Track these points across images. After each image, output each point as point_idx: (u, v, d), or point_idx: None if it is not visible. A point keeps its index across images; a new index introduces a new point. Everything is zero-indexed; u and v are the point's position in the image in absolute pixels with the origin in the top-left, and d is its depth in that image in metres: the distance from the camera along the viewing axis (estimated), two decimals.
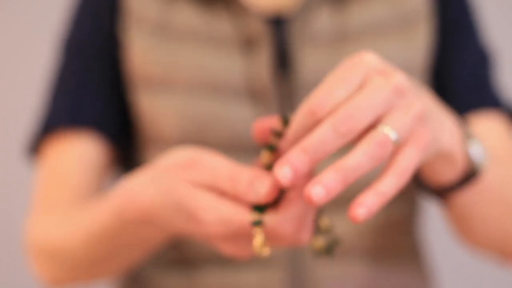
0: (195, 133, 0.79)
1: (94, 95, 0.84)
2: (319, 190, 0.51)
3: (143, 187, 0.64)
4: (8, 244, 1.44)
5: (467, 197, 0.70)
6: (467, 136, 0.66)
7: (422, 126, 0.55)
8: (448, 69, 0.85)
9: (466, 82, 0.84)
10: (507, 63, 1.45)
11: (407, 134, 0.54)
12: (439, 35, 0.85)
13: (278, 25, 0.81)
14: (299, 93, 0.79)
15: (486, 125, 0.83)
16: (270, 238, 0.59)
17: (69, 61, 0.85)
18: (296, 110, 0.55)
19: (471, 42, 0.85)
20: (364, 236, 0.81)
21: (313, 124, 0.54)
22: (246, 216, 0.57)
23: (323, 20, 0.81)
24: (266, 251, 0.56)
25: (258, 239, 0.56)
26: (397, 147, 0.54)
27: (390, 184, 0.53)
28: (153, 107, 0.81)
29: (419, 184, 0.73)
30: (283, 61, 0.80)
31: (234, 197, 0.59)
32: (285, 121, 0.57)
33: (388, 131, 0.53)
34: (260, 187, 0.57)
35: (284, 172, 0.52)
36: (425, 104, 0.58)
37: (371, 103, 0.53)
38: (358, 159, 0.52)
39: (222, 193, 0.59)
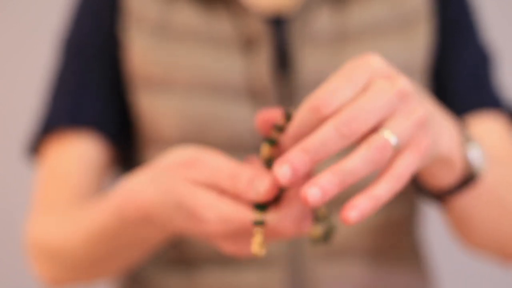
0: (195, 133, 0.79)
1: (94, 95, 0.84)
2: (315, 191, 0.51)
3: (143, 186, 0.64)
4: (8, 244, 1.44)
5: (466, 200, 0.70)
6: (466, 139, 0.66)
7: (422, 132, 0.55)
8: (448, 69, 0.85)
9: (466, 82, 0.84)
10: (507, 63, 1.45)
11: (407, 139, 0.54)
12: (439, 35, 0.85)
13: (278, 25, 0.81)
14: (299, 93, 0.79)
15: (486, 125, 0.83)
16: (271, 234, 0.59)
17: (69, 61, 0.85)
18: (299, 106, 0.55)
19: (471, 42, 0.85)
20: (364, 236, 0.81)
21: (316, 121, 0.53)
22: (247, 215, 0.58)
23: (323, 20, 0.81)
24: (263, 252, 0.56)
25: (257, 238, 0.56)
26: (397, 151, 0.54)
27: (385, 188, 0.53)
28: (153, 107, 0.81)
29: (418, 187, 0.73)
30: (283, 61, 0.80)
31: (234, 196, 0.59)
32: (288, 116, 0.57)
33: (389, 136, 0.53)
34: (260, 185, 0.57)
35: (283, 171, 0.52)
36: (427, 109, 0.58)
37: (374, 106, 0.53)
38: (357, 162, 0.52)
39: (223, 192, 0.60)
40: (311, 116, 0.53)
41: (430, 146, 0.57)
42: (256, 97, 0.79)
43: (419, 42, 0.82)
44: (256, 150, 0.79)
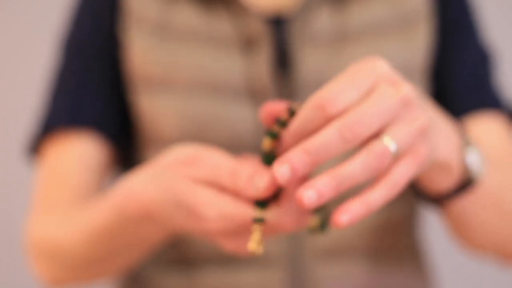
0: (195, 133, 0.79)
1: (94, 95, 0.84)
2: (311, 194, 0.52)
3: (143, 185, 0.64)
4: (8, 244, 1.44)
5: (464, 204, 0.70)
6: (466, 143, 0.66)
7: (422, 141, 0.56)
8: (448, 69, 0.85)
9: (466, 82, 0.84)
10: (507, 63, 1.45)
11: (407, 147, 0.54)
12: (439, 35, 0.85)
13: (278, 25, 0.81)
14: (299, 93, 0.79)
15: (485, 126, 0.83)
16: (271, 230, 0.59)
17: (69, 61, 0.85)
18: (303, 103, 0.55)
19: (471, 42, 0.85)
20: (364, 236, 0.81)
21: (320, 119, 0.53)
22: (246, 212, 0.58)
23: (323, 20, 0.81)
24: (260, 249, 0.56)
25: (256, 236, 0.56)
26: (395, 158, 0.54)
27: (380, 195, 0.54)
28: (153, 107, 0.81)
29: (416, 191, 0.73)
30: (283, 61, 0.80)
31: (234, 193, 0.59)
32: (291, 112, 0.57)
33: (389, 143, 0.53)
34: (259, 182, 0.57)
35: (283, 170, 0.52)
36: (428, 116, 0.58)
37: (378, 112, 0.53)
38: (355, 168, 0.53)
39: (223, 189, 0.60)
40: (316, 114, 0.53)
41: (429, 154, 0.57)
42: (256, 97, 0.79)
43: (419, 42, 0.82)
44: (256, 150, 0.79)
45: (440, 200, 0.69)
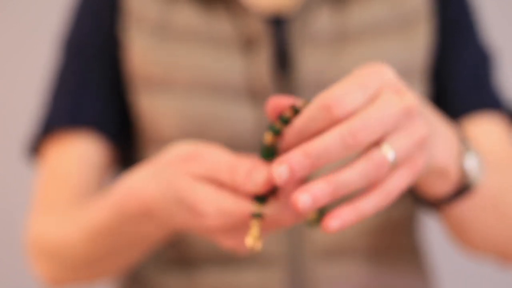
0: (195, 133, 0.79)
1: (94, 95, 0.84)
2: (307, 198, 0.52)
3: (144, 182, 0.64)
4: (8, 244, 1.44)
5: (462, 208, 0.70)
6: (465, 148, 0.66)
7: (420, 151, 0.56)
8: (448, 69, 0.85)
9: (466, 82, 0.84)
10: (507, 63, 1.45)
11: (405, 157, 0.54)
12: (439, 35, 0.85)
13: (278, 25, 0.81)
14: (299, 93, 0.79)
15: (485, 126, 0.83)
16: (270, 225, 0.59)
17: (69, 61, 0.85)
18: (309, 100, 0.56)
19: (471, 42, 0.85)
20: (364, 236, 0.81)
21: (325, 120, 0.53)
22: (245, 207, 0.58)
23: (323, 20, 0.81)
24: (258, 245, 0.56)
25: (254, 231, 0.56)
26: (392, 168, 0.54)
27: (372, 203, 0.54)
28: (153, 107, 0.81)
29: (414, 195, 0.73)
30: (283, 61, 0.80)
31: (233, 189, 0.59)
32: (295, 110, 0.57)
33: (388, 152, 0.53)
34: (257, 177, 0.57)
35: (281, 170, 0.52)
36: (429, 126, 0.58)
37: (382, 120, 0.53)
38: (352, 175, 0.53)
39: (222, 185, 0.60)
40: (321, 114, 0.53)
41: (425, 165, 0.57)
42: (256, 97, 0.79)
43: (419, 42, 0.82)
44: (256, 150, 0.79)
45: (437, 204, 0.69)
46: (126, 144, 0.86)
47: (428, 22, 0.83)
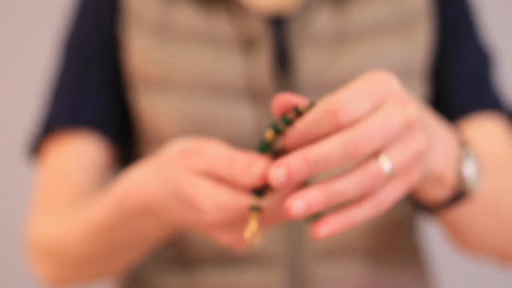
0: (195, 133, 0.79)
1: (94, 95, 0.84)
2: (300, 205, 0.52)
3: (145, 179, 0.64)
4: (8, 244, 1.44)
5: (460, 212, 0.70)
6: (465, 154, 0.66)
7: (416, 164, 0.56)
8: (448, 69, 0.85)
9: (466, 82, 0.84)
10: (507, 63, 1.45)
11: (401, 169, 0.55)
12: (439, 35, 0.85)
13: (278, 25, 0.81)
14: (299, 93, 0.79)
15: (485, 128, 0.83)
16: (268, 219, 0.59)
17: (69, 61, 0.85)
18: (313, 102, 0.55)
19: (471, 42, 0.85)
20: (364, 236, 0.81)
21: (330, 124, 0.53)
22: (243, 201, 0.58)
23: (323, 20, 0.81)
24: (258, 239, 0.56)
25: (252, 224, 0.56)
26: (388, 180, 0.55)
27: (363, 213, 0.54)
28: (153, 107, 0.81)
29: (411, 200, 0.73)
30: (283, 61, 0.80)
31: (232, 184, 0.59)
32: (298, 112, 0.57)
33: (385, 164, 0.53)
34: (255, 170, 0.57)
35: (279, 173, 0.53)
36: (427, 138, 0.58)
37: (384, 132, 0.53)
38: (348, 185, 0.53)
39: (221, 180, 0.60)
40: (327, 118, 0.53)
41: (420, 177, 0.57)
42: (256, 97, 0.79)
43: (419, 42, 0.82)
44: (256, 150, 0.79)
45: (435, 208, 0.69)
46: (126, 144, 0.86)
47: (428, 22, 0.83)
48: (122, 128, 0.85)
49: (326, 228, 0.53)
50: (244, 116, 0.79)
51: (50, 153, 0.84)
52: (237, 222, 0.60)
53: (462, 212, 0.70)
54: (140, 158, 0.86)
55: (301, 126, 0.55)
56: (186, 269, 0.82)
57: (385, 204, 0.55)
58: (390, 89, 0.55)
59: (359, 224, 0.68)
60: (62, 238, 0.76)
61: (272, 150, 0.58)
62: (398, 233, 0.84)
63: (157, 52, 0.81)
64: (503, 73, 1.46)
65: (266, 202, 0.58)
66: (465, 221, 0.71)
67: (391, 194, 0.55)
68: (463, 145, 0.66)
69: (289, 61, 0.80)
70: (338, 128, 0.53)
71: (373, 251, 0.82)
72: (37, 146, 0.85)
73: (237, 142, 0.79)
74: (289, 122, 0.57)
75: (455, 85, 0.84)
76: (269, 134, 0.58)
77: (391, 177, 0.54)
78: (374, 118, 0.53)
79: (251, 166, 0.57)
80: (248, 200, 0.58)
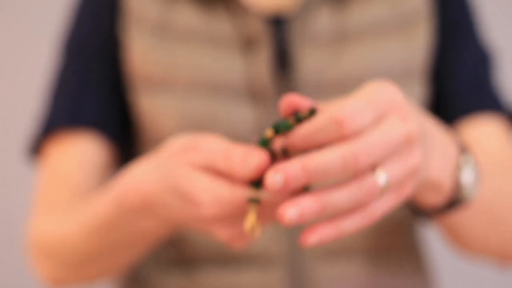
0: (195, 133, 0.79)
1: (94, 95, 0.84)
2: (294, 212, 0.53)
3: (145, 175, 0.64)
4: (8, 244, 1.44)
5: (457, 217, 0.70)
6: (465, 161, 0.66)
7: (411, 179, 0.56)
8: (448, 69, 0.85)
9: (466, 82, 0.84)
10: (507, 63, 1.45)
11: (395, 184, 0.55)
12: (439, 35, 0.85)
13: (278, 25, 0.81)
14: (299, 93, 0.79)
15: (485, 128, 0.82)
16: (268, 211, 0.59)
17: (69, 61, 0.85)
18: (314, 111, 0.56)
19: (471, 42, 0.85)
20: (364, 236, 0.81)
21: (334, 133, 0.54)
22: (242, 193, 0.58)
23: (323, 20, 0.81)
24: (257, 231, 0.57)
25: (251, 217, 0.57)
26: (381, 193, 0.55)
27: (353, 223, 0.55)
28: (153, 107, 0.81)
29: (408, 204, 0.73)
30: (283, 61, 0.80)
31: (230, 177, 0.59)
32: (298, 119, 0.57)
33: (381, 178, 0.54)
34: (251, 161, 0.57)
35: (275, 179, 0.53)
36: (424, 154, 0.58)
37: (384, 146, 0.53)
38: (342, 197, 0.53)
39: (219, 174, 0.60)
40: (332, 127, 0.53)
41: (413, 191, 0.58)
42: (256, 97, 0.79)
43: (419, 42, 0.82)
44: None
45: (431, 214, 0.69)
46: (127, 144, 0.86)
47: (428, 22, 0.83)
48: (122, 128, 0.85)
49: (315, 236, 0.54)
50: (244, 116, 0.79)
51: (50, 153, 0.84)
52: (235, 216, 0.60)
53: (460, 217, 0.70)
54: (140, 158, 0.86)
55: (305, 130, 0.55)
56: (186, 269, 0.82)
57: (376, 215, 0.55)
58: (393, 101, 0.55)
59: (349, 234, 0.69)
60: (62, 237, 0.76)
61: (271, 149, 0.58)
62: (398, 233, 0.84)
63: (157, 52, 0.81)
64: (503, 73, 1.46)
65: (264, 194, 0.58)
66: (463, 225, 0.71)
67: (383, 206, 0.56)
68: (464, 151, 0.66)
69: (289, 61, 0.80)
70: (342, 138, 0.53)
71: (373, 251, 0.82)
72: (37, 146, 0.86)
73: (237, 142, 0.79)
74: (288, 127, 0.57)
75: (455, 85, 0.84)
76: (269, 132, 0.58)
77: (385, 190, 0.54)
78: (376, 132, 0.53)
79: (248, 158, 0.57)
80: (246, 192, 0.58)
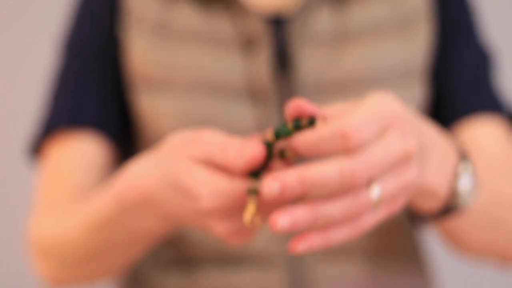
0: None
1: (95, 95, 0.84)
2: (286, 221, 0.53)
3: (146, 172, 0.64)
4: (8, 244, 1.44)
5: (454, 221, 0.70)
6: (463, 169, 0.66)
7: (403, 194, 0.57)
8: (448, 69, 0.85)
9: (466, 82, 0.84)
10: (507, 63, 1.45)
11: (388, 199, 0.56)
12: (439, 35, 0.85)
13: (278, 25, 0.81)
14: (299, 93, 0.79)
15: (485, 129, 0.82)
16: (267, 203, 0.59)
17: (70, 61, 0.85)
18: (313, 120, 0.56)
19: (471, 42, 0.85)
20: (364, 236, 0.81)
21: (339, 145, 0.54)
22: (240, 186, 0.58)
23: (323, 20, 0.81)
24: (257, 221, 0.57)
25: (251, 208, 0.57)
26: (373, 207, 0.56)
27: (342, 234, 0.55)
28: (153, 107, 0.81)
29: (405, 208, 0.73)
30: (283, 61, 0.80)
31: (229, 171, 0.60)
32: (297, 126, 0.57)
33: (375, 194, 0.54)
34: (247, 151, 0.57)
35: (272, 187, 0.53)
36: (419, 171, 0.59)
37: (382, 163, 0.54)
38: (335, 210, 0.54)
39: (218, 167, 0.60)
40: (337, 139, 0.54)
41: (403, 204, 0.58)
42: (256, 97, 0.79)
43: (419, 42, 0.82)
44: None
45: (428, 218, 0.69)
46: (127, 144, 0.86)
47: (428, 22, 0.83)
48: (122, 128, 0.85)
49: (304, 245, 0.55)
50: (244, 116, 0.79)
51: (51, 153, 0.84)
52: (234, 210, 0.60)
53: (458, 221, 0.70)
54: (140, 156, 0.86)
55: (310, 139, 0.55)
56: (186, 269, 0.82)
57: (365, 227, 0.56)
58: (395, 115, 0.55)
59: (336, 244, 0.69)
60: (62, 236, 0.76)
61: (271, 150, 0.59)
62: (398, 234, 0.84)
63: (157, 52, 0.81)
64: (503, 73, 1.46)
65: (263, 182, 0.58)
66: (461, 228, 0.71)
67: (373, 219, 0.56)
68: (464, 158, 0.66)
69: (289, 61, 0.80)
70: (346, 150, 0.54)
71: (373, 251, 0.82)
72: (37, 146, 0.86)
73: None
74: (287, 133, 0.58)
75: (455, 85, 0.84)
76: (269, 135, 0.59)
77: (377, 204, 0.55)
78: (377, 148, 0.54)
79: (243, 149, 0.57)
80: (244, 185, 0.58)
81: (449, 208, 0.66)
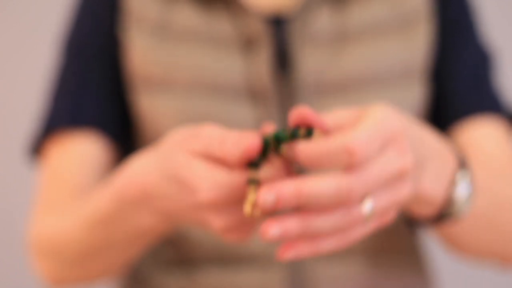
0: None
1: (95, 95, 0.84)
2: (277, 230, 0.54)
3: (146, 168, 0.64)
4: (8, 244, 1.44)
5: (451, 227, 0.70)
6: (461, 176, 0.66)
7: (393, 208, 0.57)
8: (448, 69, 0.85)
9: (466, 82, 0.84)
10: (507, 63, 1.45)
11: (379, 213, 0.56)
12: (439, 35, 0.85)
13: (278, 25, 0.81)
14: (299, 93, 0.79)
15: (485, 130, 0.82)
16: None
17: (70, 61, 0.85)
18: (311, 131, 0.57)
19: (471, 42, 0.85)
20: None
21: (344, 160, 0.54)
22: (239, 177, 0.58)
23: (323, 20, 0.81)
24: (257, 213, 0.57)
25: (251, 197, 0.57)
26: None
27: (331, 244, 0.56)
28: (153, 107, 0.81)
29: (402, 212, 0.73)
30: (283, 61, 0.80)
31: (228, 164, 0.60)
32: (293, 134, 0.57)
33: (367, 209, 0.55)
34: (243, 142, 0.57)
35: (267, 198, 0.54)
36: (413, 186, 0.59)
37: (378, 181, 0.54)
38: (326, 224, 0.54)
39: (218, 161, 0.60)
40: (342, 155, 0.53)
41: (393, 217, 0.59)
42: (256, 97, 0.79)
43: (419, 42, 0.82)
44: None
45: (425, 223, 0.69)
46: (127, 144, 0.86)
47: (428, 22, 0.83)
48: (123, 128, 0.85)
49: (292, 252, 0.55)
50: (244, 116, 0.79)
51: (51, 153, 0.84)
52: (233, 203, 0.60)
53: (453, 228, 0.70)
54: (140, 152, 0.86)
55: (314, 151, 0.55)
56: (186, 269, 0.82)
57: (353, 238, 0.56)
58: (396, 131, 0.56)
59: (324, 252, 0.70)
60: (62, 235, 0.76)
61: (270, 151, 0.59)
62: (398, 234, 0.84)
63: (157, 52, 0.81)
64: (503, 73, 1.46)
65: (263, 173, 0.59)
66: (459, 232, 0.71)
67: (362, 231, 0.57)
68: (462, 165, 0.66)
69: (289, 61, 0.80)
70: (349, 167, 0.54)
71: (373, 251, 0.82)
72: (37, 146, 0.86)
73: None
74: (284, 139, 0.58)
75: (455, 85, 0.84)
76: (269, 137, 0.59)
77: (369, 218, 0.55)
78: (375, 166, 0.54)
79: (240, 141, 0.58)
80: (243, 176, 0.58)
81: (444, 215, 0.66)
